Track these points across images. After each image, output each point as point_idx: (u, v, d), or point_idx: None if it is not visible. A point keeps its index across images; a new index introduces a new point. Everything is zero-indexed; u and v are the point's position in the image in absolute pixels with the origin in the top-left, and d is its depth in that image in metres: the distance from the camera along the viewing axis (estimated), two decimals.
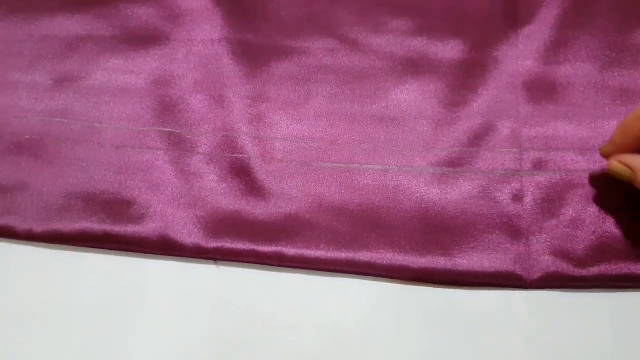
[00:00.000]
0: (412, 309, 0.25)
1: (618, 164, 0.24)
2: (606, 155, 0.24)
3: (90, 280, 0.26)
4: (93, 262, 0.26)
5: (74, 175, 0.27)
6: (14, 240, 0.27)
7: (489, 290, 0.25)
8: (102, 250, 0.26)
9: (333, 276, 0.26)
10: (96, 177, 0.27)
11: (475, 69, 0.28)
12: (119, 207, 0.26)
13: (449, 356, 0.24)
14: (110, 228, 0.26)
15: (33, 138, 0.28)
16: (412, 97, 0.28)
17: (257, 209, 0.26)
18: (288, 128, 0.28)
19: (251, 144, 0.27)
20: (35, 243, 0.27)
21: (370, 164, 0.27)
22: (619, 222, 0.25)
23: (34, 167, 0.28)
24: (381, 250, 0.25)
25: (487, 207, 0.26)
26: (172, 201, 0.27)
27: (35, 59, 0.30)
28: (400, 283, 0.25)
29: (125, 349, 0.25)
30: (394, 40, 0.29)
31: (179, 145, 0.28)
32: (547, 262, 0.25)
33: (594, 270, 0.24)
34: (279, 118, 0.28)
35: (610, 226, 0.25)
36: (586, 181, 0.26)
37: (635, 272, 0.24)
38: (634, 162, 0.23)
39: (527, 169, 0.26)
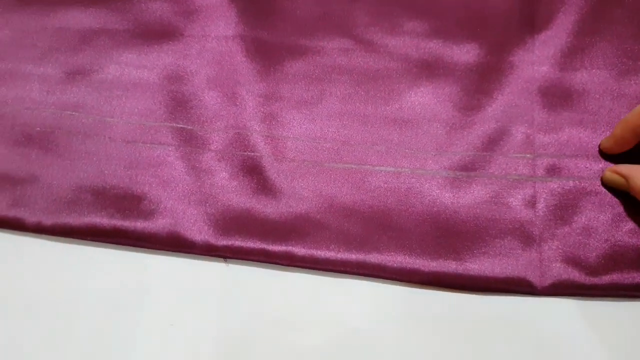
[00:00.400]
0: (421, 313, 0.25)
1: (611, 174, 0.25)
2: (606, 149, 0.26)
3: (98, 275, 0.26)
4: (101, 257, 0.26)
5: (84, 169, 0.27)
6: (23, 233, 0.27)
7: (499, 295, 0.25)
8: (110, 245, 0.26)
9: (343, 277, 0.25)
10: (106, 172, 0.27)
11: (490, 73, 0.28)
12: (129, 202, 0.26)
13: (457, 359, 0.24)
14: (119, 223, 0.26)
15: (44, 130, 0.28)
16: (427, 99, 0.28)
17: (267, 208, 0.26)
18: (300, 127, 0.28)
19: (263, 143, 0.27)
20: (44, 236, 0.26)
21: (382, 166, 0.27)
22: (632, 231, 0.25)
23: (44, 160, 0.28)
24: (392, 253, 0.25)
25: (499, 212, 0.25)
26: (183, 197, 0.26)
27: (48, 51, 0.30)
28: (410, 286, 0.25)
29: (133, 346, 0.25)
30: (410, 42, 0.29)
31: (190, 141, 0.28)
32: (558, 269, 0.24)
33: (605, 279, 0.24)
34: (291, 117, 0.28)
35: (622, 235, 0.25)
36: (599, 188, 0.26)
37: None
38: (626, 170, 0.24)
39: (540, 174, 0.26)
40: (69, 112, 0.28)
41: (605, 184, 0.25)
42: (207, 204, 0.26)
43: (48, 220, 0.26)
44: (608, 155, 0.26)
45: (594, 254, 0.25)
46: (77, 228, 0.26)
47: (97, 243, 0.26)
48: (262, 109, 0.28)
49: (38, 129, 0.28)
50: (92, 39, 0.30)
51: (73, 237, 0.26)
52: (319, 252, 0.25)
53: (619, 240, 0.25)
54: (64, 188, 0.27)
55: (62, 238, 0.26)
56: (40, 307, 0.25)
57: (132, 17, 0.30)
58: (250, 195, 0.26)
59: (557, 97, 0.27)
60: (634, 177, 0.23)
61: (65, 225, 0.26)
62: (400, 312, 0.25)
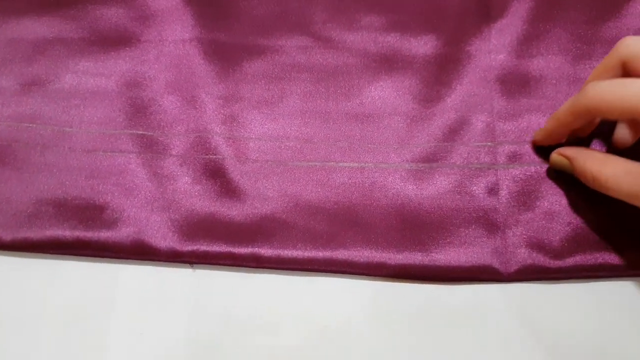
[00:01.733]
0: (391, 306, 0.25)
1: (557, 156, 0.25)
2: (538, 141, 0.26)
3: (63, 287, 0.25)
4: (65, 269, 0.26)
5: (44, 181, 0.27)
6: None
7: (466, 284, 0.25)
8: (74, 256, 0.26)
9: (311, 275, 0.25)
10: (67, 183, 0.27)
11: (448, 63, 0.28)
12: (91, 212, 0.26)
13: (429, 351, 0.24)
14: (82, 234, 0.25)
15: (0, 144, 0.28)
16: (386, 93, 0.28)
17: (232, 211, 0.26)
18: (262, 127, 0.27)
19: (225, 145, 0.27)
20: (3, 252, 0.26)
21: (345, 162, 0.27)
22: (593, 213, 0.25)
23: (1, 174, 0.27)
24: (358, 248, 0.25)
25: (462, 201, 0.26)
26: (146, 205, 0.26)
27: (1, 63, 0.29)
28: (379, 280, 0.25)
29: (102, 357, 0.24)
30: (367, 36, 0.29)
31: (151, 147, 0.27)
32: (523, 255, 0.25)
33: (569, 261, 0.24)
34: (252, 117, 0.28)
35: (584, 217, 0.25)
36: (560, 173, 0.26)
37: (610, 261, 0.24)
38: (570, 152, 0.24)
39: (501, 162, 0.26)
40: (25, 124, 0.28)
41: (553, 166, 0.26)
42: (171, 210, 0.26)
43: (7, 236, 0.26)
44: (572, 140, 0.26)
45: (558, 237, 0.25)
46: (39, 242, 0.25)
47: (59, 255, 0.26)
48: (222, 111, 0.28)
49: None
50: (47, 48, 0.29)
51: (34, 252, 0.26)
52: (285, 252, 0.25)
53: (580, 223, 0.25)
54: (23, 202, 0.26)
55: (23, 253, 0.26)
56: (5, 324, 0.25)
57: (87, 24, 0.30)
58: (214, 199, 0.26)
59: (515, 84, 0.27)
60: (577, 159, 0.24)
61: (25, 239, 0.25)
62: (370, 307, 0.25)
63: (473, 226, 0.25)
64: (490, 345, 0.24)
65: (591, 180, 0.23)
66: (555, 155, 0.25)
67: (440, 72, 0.28)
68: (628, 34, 0.28)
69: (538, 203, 0.25)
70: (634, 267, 0.24)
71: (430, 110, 0.27)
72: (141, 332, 0.25)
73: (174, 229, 0.26)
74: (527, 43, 0.28)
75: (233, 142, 0.27)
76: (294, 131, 0.27)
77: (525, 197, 0.26)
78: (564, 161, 0.25)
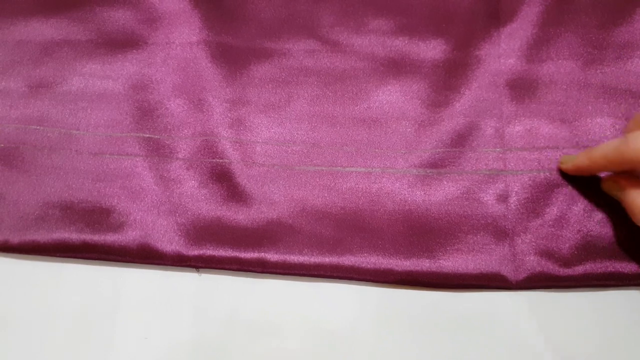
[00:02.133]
0: (397, 312, 0.25)
1: (611, 182, 0.24)
2: (565, 170, 0.25)
3: (68, 290, 0.25)
4: (72, 272, 0.26)
5: (50, 183, 0.27)
6: None
7: (474, 292, 0.25)
8: (80, 260, 0.26)
9: (317, 281, 0.25)
10: (74, 186, 0.27)
11: (457, 68, 0.28)
12: (98, 215, 0.26)
13: (435, 358, 0.24)
14: (89, 237, 0.25)
15: (8, 146, 0.28)
16: (394, 97, 0.27)
17: (238, 215, 0.26)
18: (269, 131, 0.27)
19: (231, 148, 0.27)
20: (11, 255, 0.26)
21: (353, 167, 0.26)
22: (603, 220, 0.25)
23: (9, 177, 0.27)
24: (365, 254, 0.25)
25: (471, 208, 0.25)
26: (152, 208, 0.26)
27: (9, 65, 0.29)
28: (385, 286, 0.25)
29: None
30: (376, 40, 0.28)
31: (158, 150, 0.27)
32: (532, 263, 0.24)
33: (579, 269, 0.24)
34: (259, 121, 0.27)
35: (594, 224, 0.25)
36: (570, 180, 0.26)
37: (620, 270, 0.24)
38: (625, 182, 0.23)
39: (511, 168, 0.26)
40: (33, 127, 0.28)
41: (603, 188, 0.24)
42: (177, 214, 0.26)
43: (15, 239, 0.26)
44: (583, 146, 0.26)
45: (567, 245, 0.25)
46: (45, 245, 0.25)
47: (65, 259, 0.26)
48: (229, 115, 0.27)
49: (1, 145, 0.28)
50: (54, 50, 0.29)
51: (41, 254, 0.26)
52: (292, 257, 0.25)
53: (590, 231, 0.25)
54: (30, 204, 0.26)
55: (31, 255, 0.26)
56: (10, 325, 0.25)
57: (94, 27, 0.30)
58: (221, 203, 0.26)
59: (524, 89, 0.27)
60: (629, 192, 0.22)
61: (33, 242, 0.25)
62: (376, 313, 0.25)
63: (481, 233, 0.25)
64: (498, 353, 0.24)
65: (639, 217, 0.21)
66: (609, 181, 0.24)
67: (449, 77, 0.28)
68: None
69: (547, 210, 0.25)
70: None
71: (439, 115, 0.27)
72: (146, 337, 0.25)
73: (180, 233, 0.25)
74: (537, 47, 0.28)
75: (240, 145, 0.27)
76: (301, 135, 0.27)
77: (534, 204, 0.25)
78: (616, 189, 0.23)
